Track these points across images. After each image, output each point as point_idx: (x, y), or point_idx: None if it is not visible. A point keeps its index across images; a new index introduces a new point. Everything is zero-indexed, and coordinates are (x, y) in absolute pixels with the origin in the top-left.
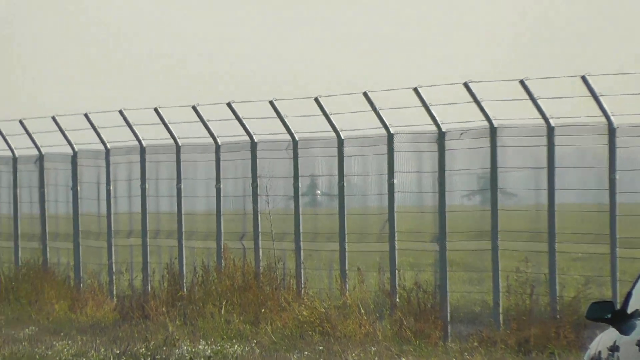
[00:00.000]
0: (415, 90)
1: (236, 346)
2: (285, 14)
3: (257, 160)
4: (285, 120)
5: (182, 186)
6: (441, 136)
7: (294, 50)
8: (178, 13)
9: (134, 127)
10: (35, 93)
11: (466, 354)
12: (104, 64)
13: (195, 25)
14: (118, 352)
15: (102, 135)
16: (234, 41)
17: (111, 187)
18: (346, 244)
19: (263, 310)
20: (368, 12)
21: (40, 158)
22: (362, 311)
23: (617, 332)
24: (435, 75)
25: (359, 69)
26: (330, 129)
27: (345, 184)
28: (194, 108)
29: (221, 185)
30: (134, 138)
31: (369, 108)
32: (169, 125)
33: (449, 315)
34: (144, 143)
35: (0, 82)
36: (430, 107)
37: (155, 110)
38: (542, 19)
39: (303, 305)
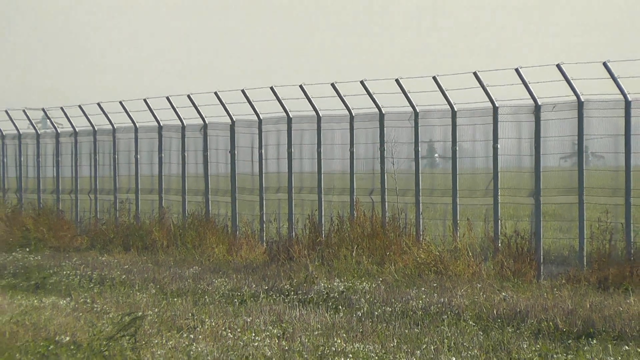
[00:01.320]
0: (517, 70)
1: (365, 283)
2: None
3: (385, 128)
4: (409, 95)
5: (321, 150)
6: (537, 109)
7: (416, 34)
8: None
9: (283, 101)
10: (201, 72)
11: (555, 289)
12: (256, 43)
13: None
14: (266, 287)
15: (256, 108)
16: (361, 25)
17: (263, 151)
18: (458, 198)
19: (387, 253)
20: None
21: (205, 127)
22: (470, 254)
23: None
24: (533, 56)
25: (470, 50)
26: (445, 103)
27: (457, 149)
28: (333, 85)
29: (354, 150)
30: (282, 110)
31: (478, 85)
32: (311, 99)
33: (542, 257)
34: (290, 114)
35: (173, 64)
36: (529, 85)
37: (300, 87)
38: (624, 8)
39: (421, 249)
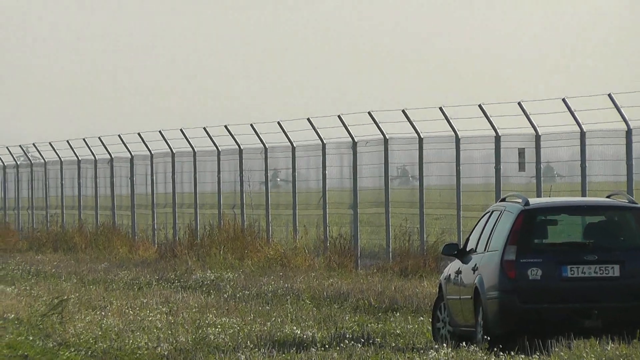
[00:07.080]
0: (339, 117)
1: (229, 273)
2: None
3: (243, 160)
4: (260, 136)
5: (197, 177)
6: (354, 145)
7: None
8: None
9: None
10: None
11: (369, 276)
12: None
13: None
14: (157, 277)
15: (149, 146)
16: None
17: (154, 178)
18: (297, 210)
19: (246, 251)
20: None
21: (111, 160)
22: (307, 251)
23: (460, 262)
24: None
25: (307, 98)
26: (287, 141)
27: (296, 174)
28: (205, 129)
29: (221, 176)
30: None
31: (311, 128)
32: (179, 140)
33: (359, 253)
34: (173, 151)
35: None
36: (348, 127)
37: (181, 130)
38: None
39: (270, 248)
